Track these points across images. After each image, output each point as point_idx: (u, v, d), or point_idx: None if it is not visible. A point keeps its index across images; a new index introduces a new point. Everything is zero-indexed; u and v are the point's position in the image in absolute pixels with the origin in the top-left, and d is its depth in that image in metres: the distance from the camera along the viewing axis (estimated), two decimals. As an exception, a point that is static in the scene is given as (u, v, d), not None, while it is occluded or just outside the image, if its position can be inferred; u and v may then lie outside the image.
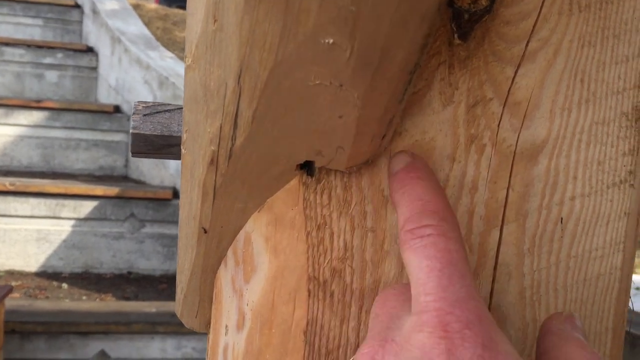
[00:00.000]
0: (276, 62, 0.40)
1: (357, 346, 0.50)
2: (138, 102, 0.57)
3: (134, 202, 5.03)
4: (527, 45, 0.50)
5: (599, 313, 0.53)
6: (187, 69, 0.44)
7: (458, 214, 0.50)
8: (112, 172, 5.88)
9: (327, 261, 0.49)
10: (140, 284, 4.95)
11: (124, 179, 5.82)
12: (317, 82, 0.41)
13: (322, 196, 0.49)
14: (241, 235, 0.53)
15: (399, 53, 0.41)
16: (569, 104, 0.51)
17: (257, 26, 0.39)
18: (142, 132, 0.56)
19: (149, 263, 5.08)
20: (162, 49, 6.14)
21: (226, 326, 0.56)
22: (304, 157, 0.47)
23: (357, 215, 0.49)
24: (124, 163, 5.89)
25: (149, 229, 5.08)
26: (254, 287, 0.52)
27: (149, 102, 0.58)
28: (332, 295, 0.50)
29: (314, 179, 0.49)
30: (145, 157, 0.58)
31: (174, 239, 5.20)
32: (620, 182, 0.52)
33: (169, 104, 0.58)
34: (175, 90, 5.14)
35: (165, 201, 5.13)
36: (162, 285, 5.00)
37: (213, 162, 0.47)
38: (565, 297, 0.52)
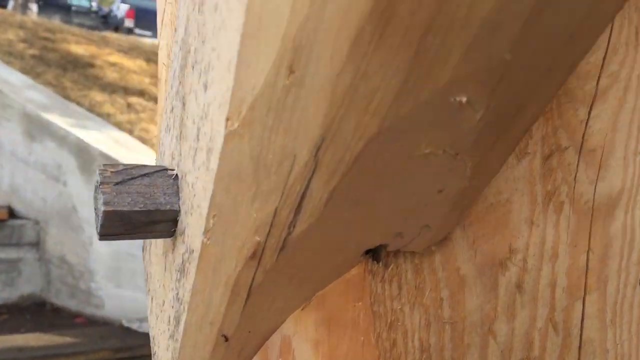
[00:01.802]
0: (381, 129, 0.28)
1: None
2: (105, 165, 0.42)
3: (-35, 224, 4.49)
4: (598, 81, 0.43)
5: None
6: (230, 136, 0.31)
7: (540, 287, 0.42)
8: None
9: (399, 368, 0.38)
10: (-23, 313, 4.41)
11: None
12: (427, 152, 0.30)
13: (391, 285, 0.38)
14: (275, 340, 0.40)
15: (532, 108, 0.32)
16: None
17: (363, 81, 0.27)
18: (119, 208, 0.41)
19: (-14, 291, 4.55)
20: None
21: None
22: (378, 241, 0.36)
23: (432, 305, 0.39)
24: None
25: (-17, 254, 4.55)
26: (297, 407, 0.40)
27: (117, 165, 0.42)
28: (407, 409, 0.39)
29: (381, 264, 0.37)
30: (117, 239, 0.43)
31: (12, 263, 4.70)
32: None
33: (143, 165, 0.43)
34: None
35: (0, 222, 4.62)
36: (2, 316, 4.48)
37: (255, 256, 0.35)
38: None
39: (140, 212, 0.41)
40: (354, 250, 0.36)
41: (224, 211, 0.34)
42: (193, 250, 0.38)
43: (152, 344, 0.51)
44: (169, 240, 0.46)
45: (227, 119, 0.30)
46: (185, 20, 0.39)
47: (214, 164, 0.33)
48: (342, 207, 0.32)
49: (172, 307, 0.43)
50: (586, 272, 0.43)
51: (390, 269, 0.38)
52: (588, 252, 0.43)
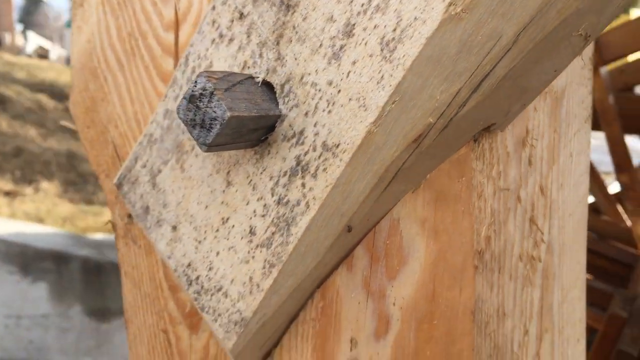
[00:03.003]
0: (575, 10, 0.36)
1: (503, 314, 0.49)
2: (206, 72, 0.39)
3: None
4: None
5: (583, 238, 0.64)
6: (447, 20, 0.34)
7: (536, 160, 0.53)
8: None
9: (483, 230, 0.46)
10: None
11: None
12: (580, 33, 0.39)
13: (479, 162, 0.45)
14: (383, 225, 0.44)
15: None
16: None
17: None
18: (241, 114, 0.39)
19: None
20: None
21: (352, 339, 0.46)
22: (496, 119, 0.43)
23: (496, 177, 0.47)
24: None
25: None
26: (405, 281, 0.44)
27: (216, 72, 0.39)
28: (486, 265, 0.47)
29: (476, 144, 0.44)
30: (219, 149, 0.40)
31: None
32: (589, 116, 0.63)
33: (233, 73, 0.41)
34: None
35: None
36: None
37: (419, 139, 0.39)
38: (572, 221, 0.61)
39: (253, 118, 0.40)
40: (477, 129, 0.42)
41: (405, 97, 0.37)
42: (338, 144, 0.39)
43: (183, 272, 0.48)
44: (235, 154, 0.45)
45: (450, 4, 0.34)
46: None
47: (405, 51, 0.36)
48: (504, 86, 0.38)
49: (267, 215, 0.43)
50: (553, 147, 0.56)
51: (479, 148, 0.45)
52: (554, 132, 0.56)
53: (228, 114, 0.38)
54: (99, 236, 4.79)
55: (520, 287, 0.51)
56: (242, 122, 0.39)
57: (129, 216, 0.57)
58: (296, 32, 0.40)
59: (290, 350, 0.48)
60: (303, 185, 0.41)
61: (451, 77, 0.36)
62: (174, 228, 0.48)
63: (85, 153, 0.61)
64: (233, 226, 0.45)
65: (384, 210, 0.44)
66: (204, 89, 0.39)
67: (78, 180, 6.08)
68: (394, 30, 0.36)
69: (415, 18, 0.35)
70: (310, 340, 0.47)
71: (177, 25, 0.51)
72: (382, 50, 0.37)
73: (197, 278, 0.47)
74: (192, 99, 0.39)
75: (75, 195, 5.71)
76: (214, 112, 0.38)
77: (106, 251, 4.31)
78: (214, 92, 0.38)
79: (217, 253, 0.46)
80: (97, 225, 4.97)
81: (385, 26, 0.37)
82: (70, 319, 4.16)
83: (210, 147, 0.39)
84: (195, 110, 0.39)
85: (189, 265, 0.48)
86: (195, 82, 0.39)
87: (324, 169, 0.40)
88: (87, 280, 4.15)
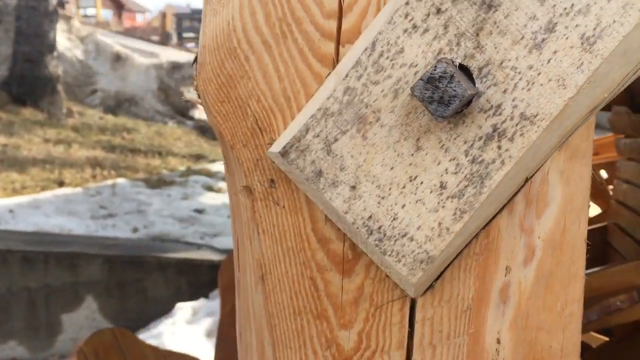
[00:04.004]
0: None
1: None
2: (443, 59, 0.48)
3: None
4: None
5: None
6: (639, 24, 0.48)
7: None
8: None
9: (591, 177, 0.61)
10: None
11: None
12: None
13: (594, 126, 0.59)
14: (537, 176, 0.57)
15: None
16: None
17: None
18: (471, 92, 0.48)
19: None
20: None
21: (507, 267, 0.58)
22: (616, 93, 0.57)
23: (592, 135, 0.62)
24: None
25: None
26: (547, 219, 0.58)
27: (446, 58, 0.49)
28: (590, 204, 0.62)
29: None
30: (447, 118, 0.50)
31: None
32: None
33: (446, 59, 0.51)
34: None
35: None
36: None
37: (594, 109, 0.52)
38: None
39: (470, 95, 0.50)
40: (609, 100, 0.56)
41: (597, 79, 0.50)
42: (536, 115, 0.51)
43: (363, 224, 0.57)
44: (427, 123, 0.55)
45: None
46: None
47: (605, 45, 0.49)
48: None
49: (459, 172, 0.54)
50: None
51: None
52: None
53: (468, 92, 0.48)
54: None
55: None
56: (466, 98, 0.50)
57: (272, 181, 0.64)
58: (497, 27, 0.51)
59: (452, 281, 0.60)
60: (499, 147, 0.53)
61: (627, 64, 0.50)
62: (353, 187, 0.57)
63: (214, 126, 0.66)
64: (422, 182, 0.55)
65: (541, 163, 0.57)
66: (445, 72, 0.49)
67: None
68: (594, 29, 0.49)
69: (614, 21, 0.48)
70: (472, 272, 0.59)
71: (340, 14, 0.59)
72: (582, 43, 0.49)
73: (379, 228, 0.57)
74: (430, 80, 0.49)
75: None
76: (454, 91, 0.49)
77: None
78: (454, 75, 0.48)
79: (403, 206, 0.56)
80: None
81: (586, 25, 0.49)
82: None
83: (445, 119, 0.49)
84: (433, 89, 0.49)
85: (370, 217, 0.57)
86: (435, 66, 0.49)
87: (521, 134, 0.52)
88: None
